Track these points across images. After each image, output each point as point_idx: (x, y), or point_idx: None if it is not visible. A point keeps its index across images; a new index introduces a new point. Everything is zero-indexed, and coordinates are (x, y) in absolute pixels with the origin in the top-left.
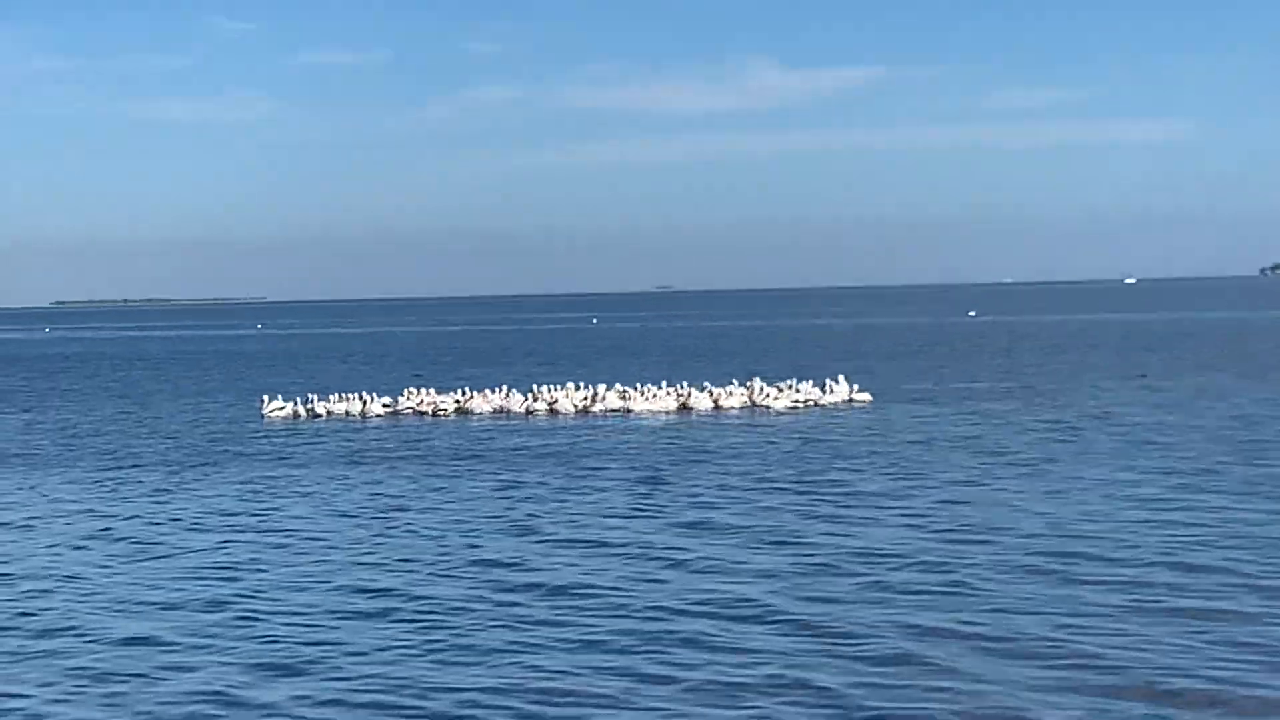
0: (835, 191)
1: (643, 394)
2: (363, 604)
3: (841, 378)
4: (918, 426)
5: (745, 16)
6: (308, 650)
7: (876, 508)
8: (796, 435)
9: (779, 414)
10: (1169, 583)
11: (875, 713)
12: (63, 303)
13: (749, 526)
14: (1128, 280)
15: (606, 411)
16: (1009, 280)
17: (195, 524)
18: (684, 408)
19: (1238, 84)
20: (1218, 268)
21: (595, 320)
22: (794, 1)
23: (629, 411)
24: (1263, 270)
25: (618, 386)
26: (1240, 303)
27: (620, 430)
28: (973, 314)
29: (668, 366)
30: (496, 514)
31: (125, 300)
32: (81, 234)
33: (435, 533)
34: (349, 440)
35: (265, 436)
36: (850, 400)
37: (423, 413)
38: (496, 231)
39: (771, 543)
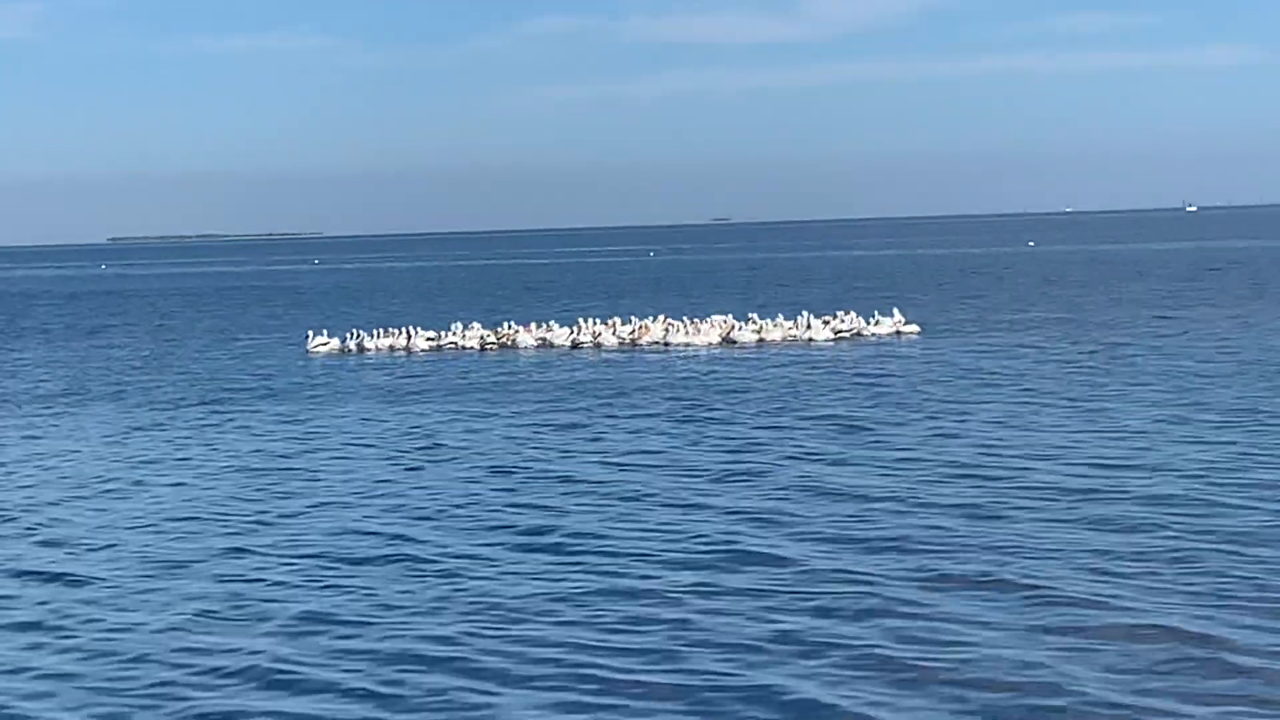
0: (894, 121)
1: (685, 328)
2: (353, 545)
3: (896, 310)
4: (959, 359)
5: None
6: (284, 594)
7: (902, 447)
8: (835, 369)
9: (823, 346)
10: (1197, 526)
11: (891, 659)
12: (119, 238)
13: (767, 465)
14: (1189, 208)
15: (650, 344)
16: (1069, 209)
17: (203, 463)
18: (727, 340)
19: None
20: None
21: (652, 253)
22: None
23: (669, 345)
24: None
25: (662, 319)
26: None
27: (660, 365)
28: (1031, 243)
29: (722, 298)
30: (510, 451)
31: (181, 236)
32: (137, 169)
33: (444, 474)
34: (387, 376)
35: (306, 373)
36: (898, 332)
37: (467, 348)
38: (554, 165)
39: (788, 485)
